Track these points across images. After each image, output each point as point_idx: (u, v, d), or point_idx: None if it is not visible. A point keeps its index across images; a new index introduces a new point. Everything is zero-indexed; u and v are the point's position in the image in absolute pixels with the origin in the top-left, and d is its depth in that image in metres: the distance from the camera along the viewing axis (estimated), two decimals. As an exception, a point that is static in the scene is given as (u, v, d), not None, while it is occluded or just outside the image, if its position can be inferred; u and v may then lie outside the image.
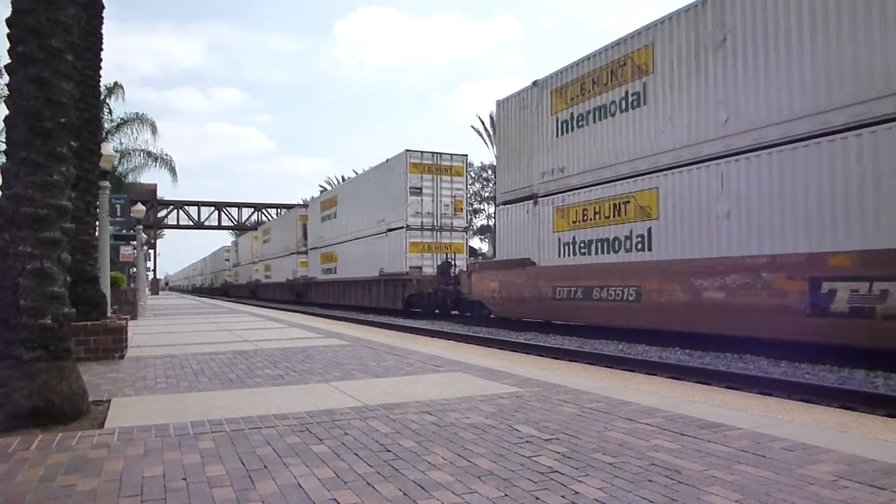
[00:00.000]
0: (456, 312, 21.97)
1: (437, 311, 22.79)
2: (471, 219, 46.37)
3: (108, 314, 9.17)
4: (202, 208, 63.56)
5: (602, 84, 14.20)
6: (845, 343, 8.99)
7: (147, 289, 34.92)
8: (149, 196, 43.88)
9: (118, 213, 20.64)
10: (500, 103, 18.45)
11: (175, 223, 63.69)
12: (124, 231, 25.92)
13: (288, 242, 41.88)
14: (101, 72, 8.36)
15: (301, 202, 56.71)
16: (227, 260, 69.32)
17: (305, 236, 39.07)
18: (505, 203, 17.89)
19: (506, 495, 2.71)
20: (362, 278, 28.33)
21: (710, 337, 11.38)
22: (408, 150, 24.93)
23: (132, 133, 27.38)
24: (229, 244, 72.39)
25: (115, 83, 26.31)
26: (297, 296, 39.26)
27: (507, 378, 5.81)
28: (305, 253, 38.91)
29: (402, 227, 24.90)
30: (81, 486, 2.91)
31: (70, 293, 4.58)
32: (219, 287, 72.85)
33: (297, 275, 39.25)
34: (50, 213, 4.31)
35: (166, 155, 29.15)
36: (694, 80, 11.89)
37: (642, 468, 3.05)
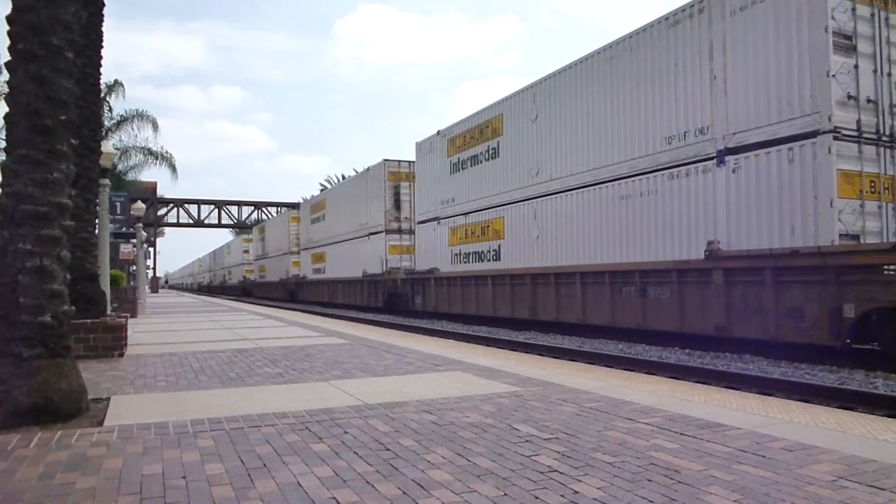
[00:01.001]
0: None
1: None
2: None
3: (108, 312, 9.17)
4: (202, 206, 63.68)
5: None
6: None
7: (147, 287, 34.87)
8: (149, 194, 43.94)
9: (118, 211, 20.62)
10: None
11: (175, 221, 63.83)
12: (124, 229, 25.94)
13: (367, 217, 27.56)
14: (102, 69, 8.36)
15: (302, 200, 50.93)
16: (247, 252, 55.65)
17: (398, 206, 26.07)
18: None
19: (505, 494, 2.71)
20: (637, 266, 12.65)
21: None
22: None
23: (133, 130, 27.38)
24: (250, 231, 59.11)
25: (115, 81, 26.32)
26: (389, 301, 24.54)
27: (506, 377, 5.81)
28: (399, 231, 25.85)
29: (814, 134, 9.72)
30: (80, 483, 2.91)
31: (70, 291, 4.57)
32: (234, 285, 60.07)
33: (387, 266, 25.34)
34: (50, 211, 4.31)
35: (167, 152, 29.15)
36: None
37: (642, 468, 3.05)
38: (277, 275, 43.32)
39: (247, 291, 53.22)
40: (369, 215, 27.40)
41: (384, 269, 25.21)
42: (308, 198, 45.67)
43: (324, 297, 33.46)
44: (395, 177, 26.14)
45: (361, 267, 27.38)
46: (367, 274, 26.81)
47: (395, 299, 24.25)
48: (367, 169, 29.11)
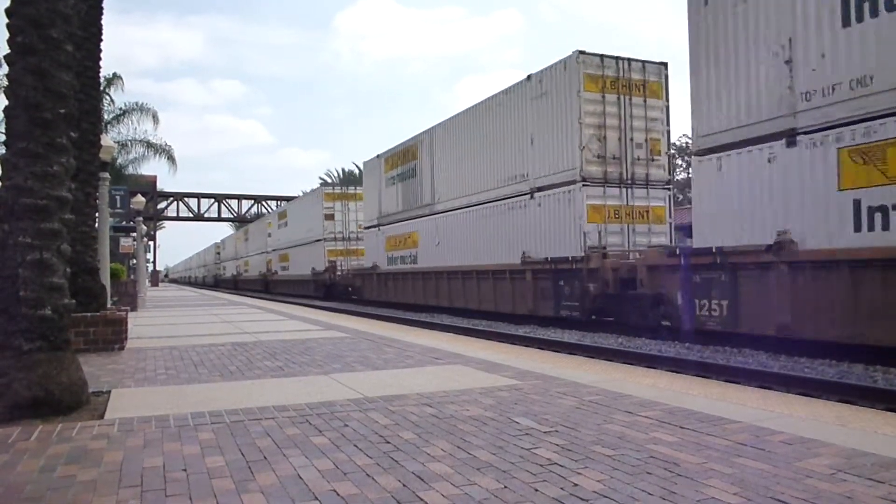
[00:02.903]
0: None
1: None
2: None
3: (108, 305, 9.18)
4: (202, 200, 63.57)
5: None
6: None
7: (147, 280, 34.79)
8: (149, 188, 43.89)
9: (118, 205, 20.62)
10: None
11: (175, 215, 63.76)
12: (124, 222, 25.94)
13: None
14: (101, 63, 8.35)
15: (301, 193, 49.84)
16: (331, 217, 31.91)
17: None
18: None
19: (505, 487, 2.72)
20: None
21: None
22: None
23: (133, 123, 27.35)
24: (333, 185, 37.18)
25: (114, 74, 26.28)
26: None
27: (506, 370, 5.82)
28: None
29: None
30: (81, 476, 2.92)
31: (70, 284, 4.58)
32: (294, 279, 35.89)
33: None
34: (50, 204, 4.31)
35: (166, 145, 29.12)
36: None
37: (641, 461, 3.06)
38: (500, 251, 17.13)
39: (334, 290, 30.34)
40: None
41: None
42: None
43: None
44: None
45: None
46: None
47: None
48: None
